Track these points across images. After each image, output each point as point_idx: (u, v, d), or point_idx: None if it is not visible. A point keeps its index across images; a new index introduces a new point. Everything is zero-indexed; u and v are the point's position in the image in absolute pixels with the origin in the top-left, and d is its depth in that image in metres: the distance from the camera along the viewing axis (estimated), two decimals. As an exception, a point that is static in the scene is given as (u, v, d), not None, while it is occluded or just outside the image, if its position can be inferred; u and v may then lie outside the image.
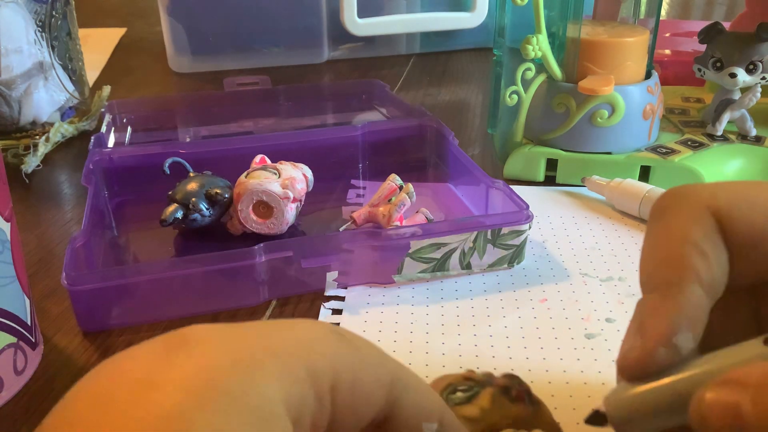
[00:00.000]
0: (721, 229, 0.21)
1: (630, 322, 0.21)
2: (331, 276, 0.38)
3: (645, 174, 0.49)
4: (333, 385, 0.17)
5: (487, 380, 0.23)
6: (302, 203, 0.44)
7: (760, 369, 0.17)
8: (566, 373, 0.32)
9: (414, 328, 0.35)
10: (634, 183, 0.46)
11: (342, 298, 0.38)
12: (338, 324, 0.36)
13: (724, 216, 0.21)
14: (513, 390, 0.23)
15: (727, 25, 0.57)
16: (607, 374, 0.32)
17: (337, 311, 0.37)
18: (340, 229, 0.43)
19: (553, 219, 0.46)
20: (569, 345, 0.34)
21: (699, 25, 0.66)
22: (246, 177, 0.42)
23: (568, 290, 0.39)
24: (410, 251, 0.38)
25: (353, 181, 0.51)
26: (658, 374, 0.19)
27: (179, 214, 0.42)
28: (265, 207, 0.42)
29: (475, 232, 0.39)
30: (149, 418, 0.13)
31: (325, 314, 0.37)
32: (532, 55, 0.47)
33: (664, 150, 0.50)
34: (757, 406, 0.16)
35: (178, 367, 0.15)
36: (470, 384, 0.23)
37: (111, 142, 0.55)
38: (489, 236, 0.39)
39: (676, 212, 0.21)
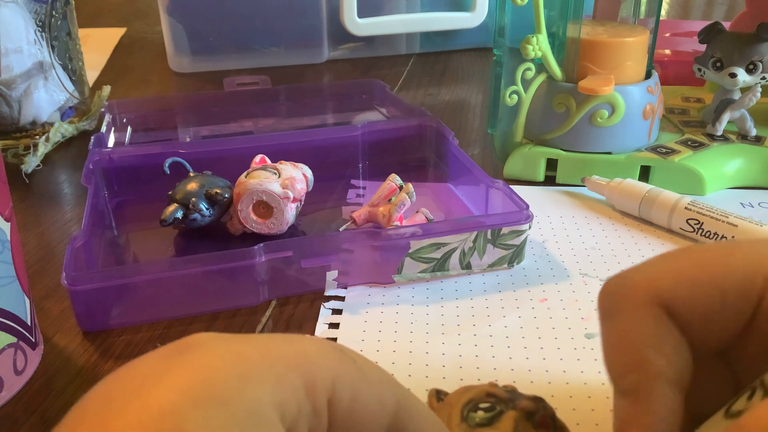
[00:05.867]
0: (671, 316, 0.21)
1: (613, 425, 0.21)
2: (331, 276, 0.38)
3: (645, 174, 0.49)
4: (330, 398, 0.17)
5: (510, 398, 0.23)
6: (302, 203, 0.44)
7: None
8: (566, 373, 0.32)
9: (414, 328, 0.35)
10: (634, 183, 0.46)
11: (342, 298, 0.38)
12: (338, 324, 0.36)
13: (670, 304, 0.21)
14: (537, 415, 0.22)
15: (727, 25, 0.57)
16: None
17: (337, 311, 0.37)
18: (340, 229, 0.43)
19: (553, 219, 0.46)
20: (569, 345, 0.34)
21: (699, 25, 0.66)
22: (246, 177, 0.42)
23: (568, 290, 0.39)
24: (410, 251, 0.38)
25: (353, 181, 0.51)
26: None
27: (179, 214, 0.42)
28: (265, 207, 0.42)
29: (475, 232, 0.39)
30: (145, 412, 0.14)
31: (325, 314, 0.37)
32: (532, 55, 0.47)
33: (664, 150, 0.50)
34: None
35: (177, 368, 0.15)
36: (492, 401, 0.23)
37: (111, 142, 0.55)
38: (489, 236, 0.39)
39: (622, 312, 0.21)
